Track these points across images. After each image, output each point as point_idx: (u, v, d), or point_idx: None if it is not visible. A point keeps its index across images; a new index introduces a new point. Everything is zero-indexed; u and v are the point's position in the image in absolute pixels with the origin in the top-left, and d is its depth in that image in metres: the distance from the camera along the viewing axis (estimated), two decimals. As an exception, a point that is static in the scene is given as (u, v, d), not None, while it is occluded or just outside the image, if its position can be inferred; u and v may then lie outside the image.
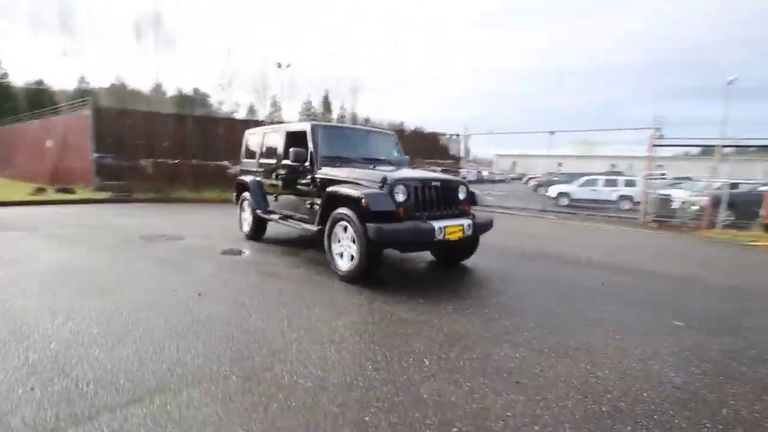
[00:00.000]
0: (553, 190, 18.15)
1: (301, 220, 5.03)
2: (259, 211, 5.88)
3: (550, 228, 9.38)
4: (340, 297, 3.61)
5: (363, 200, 3.74)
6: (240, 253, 5.31)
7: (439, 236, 3.89)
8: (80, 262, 4.55)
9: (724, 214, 10.30)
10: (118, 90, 48.05)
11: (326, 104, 49.70)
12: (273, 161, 5.62)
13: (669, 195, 12.65)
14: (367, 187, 4.02)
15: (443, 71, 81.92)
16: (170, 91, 49.52)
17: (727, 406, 2.11)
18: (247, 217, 6.29)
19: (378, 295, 3.66)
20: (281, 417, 1.86)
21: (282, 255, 5.22)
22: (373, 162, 5.03)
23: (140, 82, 55.84)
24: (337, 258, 4.19)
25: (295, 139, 5.43)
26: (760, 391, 2.28)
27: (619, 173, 22.87)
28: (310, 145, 4.83)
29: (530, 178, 28.56)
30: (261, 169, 5.95)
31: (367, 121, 49.69)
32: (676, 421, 1.97)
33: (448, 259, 4.97)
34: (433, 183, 4.26)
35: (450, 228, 4.01)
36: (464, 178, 8.40)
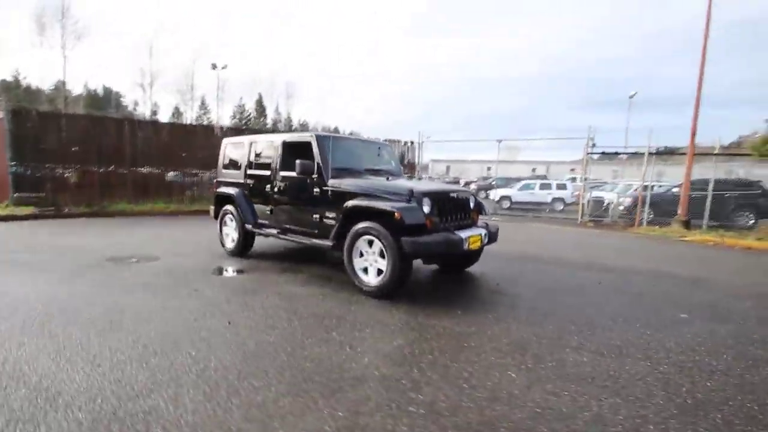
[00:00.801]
0: (495, 194, 19.33)
1: (305, 233, 4.80)
2: (248, 226, 5.51)
3: (512, 230, 9.99)
4: (382, 315, 3.51)
5: (396, 214, 3.70)
6: (237, 272, 4.92)
7: (465, 246, 3.98)
8: (59, 293, 3.88)
9: (646, 213, 11.83)
10: (10, 87, 41.80)
11: (260, 107, 47.81)
12: (266, 172, 5.30)
13: (602, 197, 14.20)
14: (391, 200, 3.99)
15: (375, 76, 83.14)
16: (77, 90, 44.21)
17: (773, 386, 2.45)
18: (231, 233, 5.86)
19: (416, 309, 3.64)
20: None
21: (283, 272, 4.93)
22: (375, 173, 4.99)
23: (41, 79, 48.99)
24: (360, 273, 4.08)
25: (293, 149, 5.19)
26: (785, 370, 2.68)
27: (543, 177, 25.22)
28: (317, 156, 4.65)
29: (467, 183, 30.09)
30: (250, 181, 5.57)
31: (303, 125, 48.65)
32: (748, 405, 2.24)
33: (455, 267, 5.09)
34: (452, 194, 4.35)
35: (472, 238, 4.12)
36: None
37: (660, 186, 14.76)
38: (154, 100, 46.35)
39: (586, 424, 2.01)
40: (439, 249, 3.80)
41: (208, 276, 4.71)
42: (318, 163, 4.59)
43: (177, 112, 43.16)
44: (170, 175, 12.31)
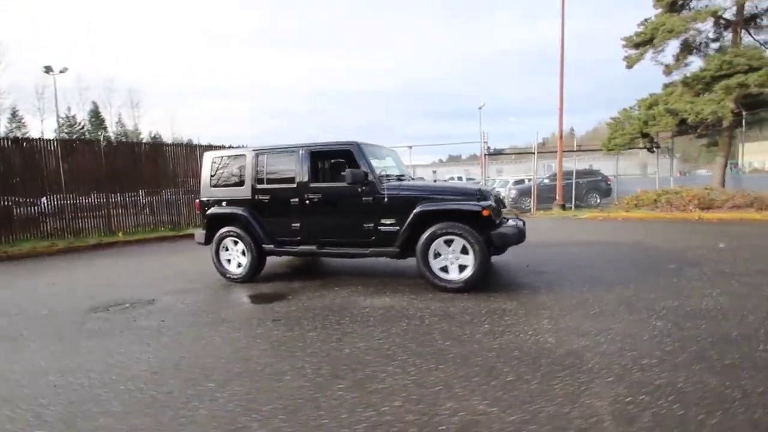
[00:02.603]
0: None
1: (356, 244, 4.68)
2: (268, 246, 5.02)
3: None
4: (474, 303, 3.80)
5: (484, 211, 4.04)
6: (271, 300, 4.39)
7: (521, 236, 4.56)
8: (64, 368, 3.01)
9: (529, 201, 14.51)
10: None
11: (96, 118, 39.85)
12: (288, 185, 4.92)
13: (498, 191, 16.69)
14: (459, 199, 4.30)
15: (229, 87, 77.82)
16: None
17: (775, 298, 3.67)
18: (236, 257, 5.21)
19: (487, 294, 4.03)
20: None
21: (326, 290, 4.67)
22: (399, 177, 5.15)
23: None
24: (440, 273, 4.26)
25: (323, 159, 4.98)
26: None
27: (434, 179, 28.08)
28: (363, 165, 4.60)
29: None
30: (262, 197, 5.06)
31: (155, 137, 42.25)
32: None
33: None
34: (495, 192, 4.88)
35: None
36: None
37: (530, 180, 18.08)
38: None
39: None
40: (517, 240, 4.27)
41: (241, 313, 4.18)
42: (365, 172, 4.55)
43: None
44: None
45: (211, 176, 5.43)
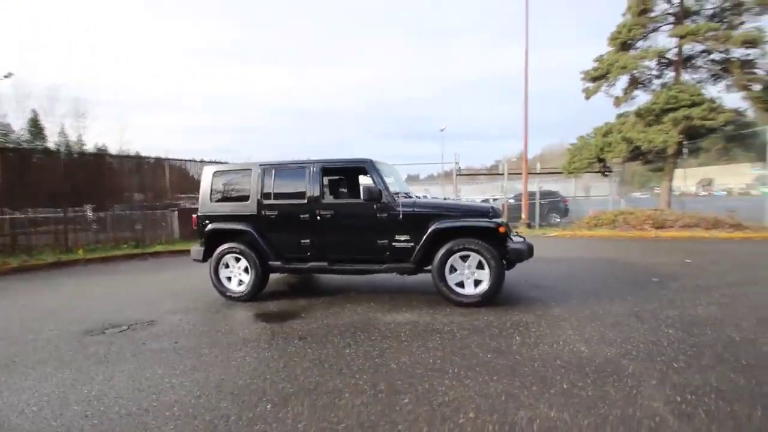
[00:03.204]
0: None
1: (369, 261, 4.69)
2: (275, 262, 4.90)
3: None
4: (494, 316, 3.94)
5: (501, 228, 4.23)
6: (284, 318, 4.23)
7: (528, 252, 4.79)
8: (93, 391, 2.79)
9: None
10: None
11: (36, 127, 36.63)
12: (298, 201, 4.85)
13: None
14: (472, 216, 4.49)
15: (184, 101, 74.97)
16: None
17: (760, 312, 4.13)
18: (238, 274, 5.03)
19: (503, 308, 4.21)
20: None
21: (338, 308, 4.62)
22: (408, 195, 5.27)
23: None
24: (456, 287, 4.37)
25: (334, 175, 4.98)
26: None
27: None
28: (377, 181, 4.67)
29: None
30: (269, 213, 4.94)
31: (100, 149, 39.48)
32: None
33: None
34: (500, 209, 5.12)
35: (524, 244, 4.97)
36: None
37: (496, 199, 18.94)
38: None
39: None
40: (528, 255, 4.49)
41: (285, 330, 4.06)
42: (380, 189, 4.62)
43: None
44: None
45: (212, 191, 5.24)
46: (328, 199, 4.86)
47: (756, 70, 12.12)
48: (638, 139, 11.74)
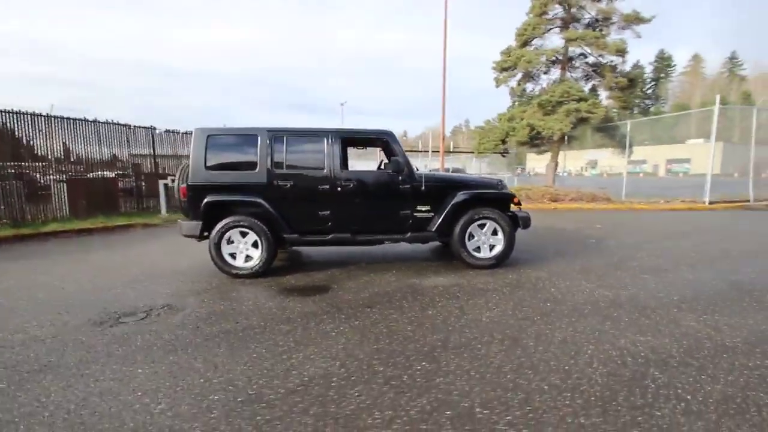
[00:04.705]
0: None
1: (392, 231, 4.82)
2: (291, 236, 4.66)
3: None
4: (515, 275, 4.56)
5: (515, 198, 4.78)
6: (310, 293, 4.07)
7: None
8: (155, 386, 2.54)
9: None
10: None
11: None
12: (315, 172, 4.65)
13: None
14: (486, 187, 4.98)
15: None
16: None
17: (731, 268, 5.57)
18: (245, 249, 4.64)
19: (515, 268, 4.88)
20: None
21: (366, 277, 4.67)
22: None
23: None
24: (475, 253, 4.83)
25: (350, 146, 4.88)
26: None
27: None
28: (398, 152, 4.78)
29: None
30: (282, 183, 4.62)
31: None
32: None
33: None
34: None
35: (511, 213, 5.67)
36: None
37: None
38: None
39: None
40: (530, 222, 5.15)
41: (320, 305, 3.95)
42: (401, 160, 4.74)
43: None
44: None
45: (206, 157, 4.64)
46: (346, 170, 4.79)
47: (617, 75, 15.20)
48: (539, 125, 13.79)
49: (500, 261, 4.87)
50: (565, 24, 15.30)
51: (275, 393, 2.23)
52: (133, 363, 2.61)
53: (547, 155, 16.54)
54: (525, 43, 15.10)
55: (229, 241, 4.63)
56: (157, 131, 12.06)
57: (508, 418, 1.97)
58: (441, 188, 4.85)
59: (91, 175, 10.67)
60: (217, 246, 4.58)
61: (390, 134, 4.87)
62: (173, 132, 12.47)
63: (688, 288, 4.02)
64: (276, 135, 4.69)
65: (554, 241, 6.89)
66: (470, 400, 2.12)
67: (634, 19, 13.95)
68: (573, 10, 15.22)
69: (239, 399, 2.18)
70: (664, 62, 74.79)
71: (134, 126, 11.34)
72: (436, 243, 5.83)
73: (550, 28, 15.57)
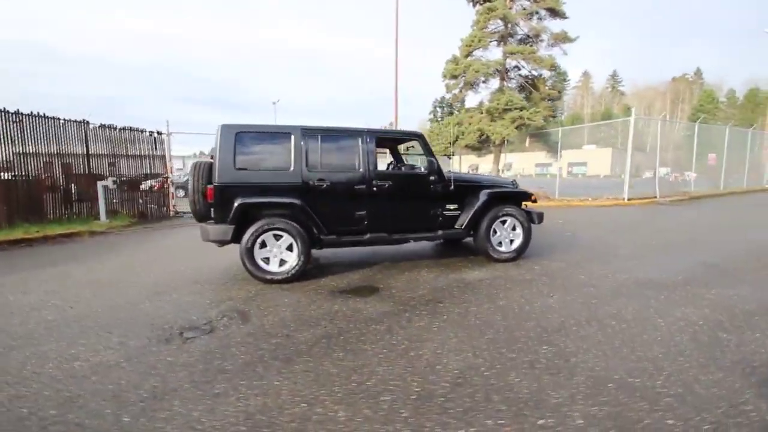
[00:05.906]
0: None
1: (426, 229, 4.97)
2: (328, 237, 4.56)
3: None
4: (535, 264, 5.00)
5: (533, 196, 5.21)
6: (364, 294, 4.13)
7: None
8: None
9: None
10: None
11: None
12: (349, 173, 4.60)
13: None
14: (505, 187, 5.37)
15: None
16: None
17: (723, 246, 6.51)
18: (279, 253, 4.42)
19: (535, 259, 5.35)
20: None
21: (408, 276, 4.73)
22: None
23: None
24: (498, 247, 5.16)
25: (385, 145, 4.90)
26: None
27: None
28: (426, 153, 4.93)
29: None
30: (319, 183, 4.48)
31: None
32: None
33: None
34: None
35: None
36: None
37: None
38: None
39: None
40: (543, 218, 5.60)
41: (392, 307, 3.93)
42: (433, 161, 4.92)
43: None
44: None
45: (236, 156, 4.32)
46: (380, 170, 4.81)
47: (549, 87, 16.98)
48: (488, 130, 14.87)
49: (519, 254, 5.28)
50: (503, 39, 16.69)
51: (441, 387, 2.26)
52: (262, 376, 2.42)
53: (487, 157, 17.91)
54: (469, 54, 16.15)
55: (262, 245, 4.37)
56: (91, 126, 10.63)
57: (658, 382, 2.27)
58: (468, 188, 5.12)
59: (6, 176, 9.05)
60: (250, 251, 4.30)
61: (421, 135, 5.01)
62: (110, 127, 11.06)
63: (678, 269, 4.76)
64: (309, 133, 4.55)
65: (537, 235, 7.55)
66: (617, 373, 2.37)
67: (563, 38, 15.74)
68: (509, 25, 16.68)
69: (412, 397, 2.18)
70: (560, 77, 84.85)
71: (64, 119, 9.87)
72: (434, 242, 6.14)
73: (491, 41, 16.86)
